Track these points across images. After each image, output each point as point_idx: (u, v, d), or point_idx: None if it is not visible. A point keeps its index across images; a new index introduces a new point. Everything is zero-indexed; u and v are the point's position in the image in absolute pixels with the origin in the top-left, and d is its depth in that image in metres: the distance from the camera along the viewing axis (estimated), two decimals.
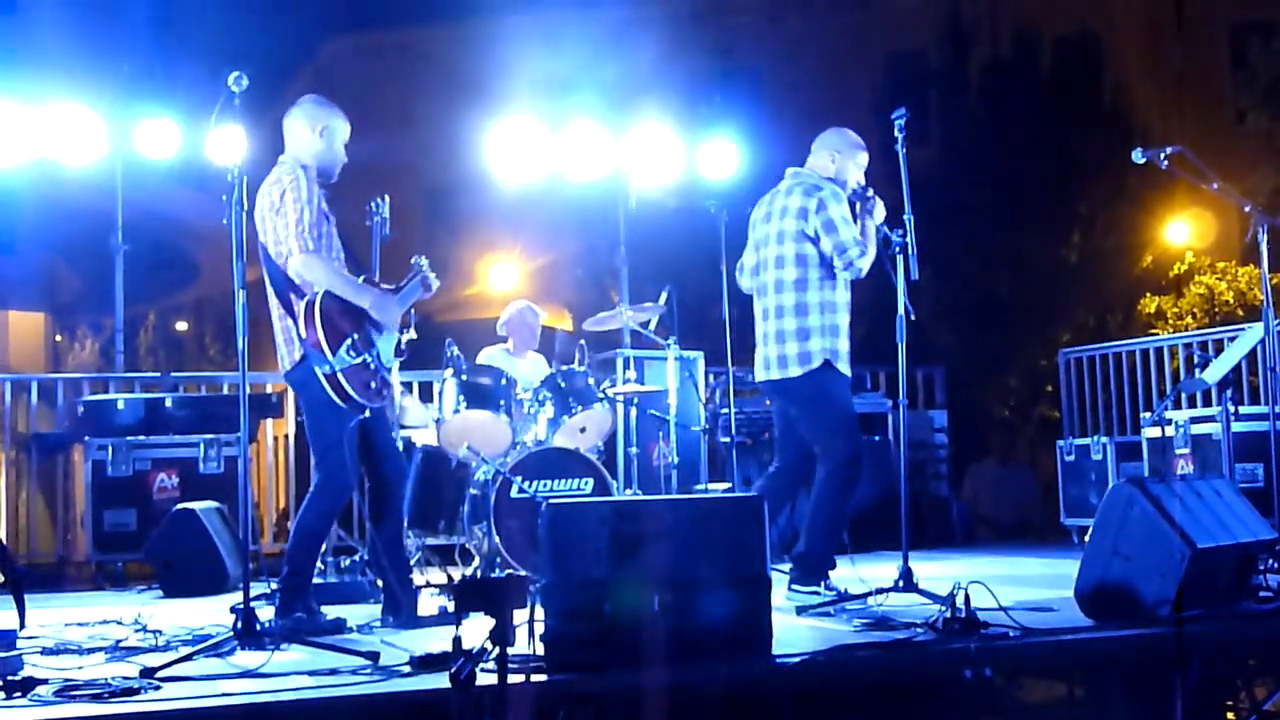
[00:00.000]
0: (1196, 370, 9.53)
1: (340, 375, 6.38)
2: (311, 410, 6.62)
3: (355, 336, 6.48)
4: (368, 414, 6.69)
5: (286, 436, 12.09)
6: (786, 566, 7.42)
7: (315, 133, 6.74)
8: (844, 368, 7.42)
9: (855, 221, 7.44)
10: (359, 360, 6.46)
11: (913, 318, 7.00)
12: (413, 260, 7.11)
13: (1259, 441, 9.24)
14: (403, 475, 7.26)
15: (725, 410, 10.26)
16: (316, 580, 7.91)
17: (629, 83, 17.01)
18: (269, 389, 12.03)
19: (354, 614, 6.97)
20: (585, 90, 13.62)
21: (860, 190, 7.53)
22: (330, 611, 6.74)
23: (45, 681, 4.99)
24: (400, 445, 8.51)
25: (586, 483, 8.43)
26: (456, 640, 4.78)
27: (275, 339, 6.65)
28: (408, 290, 6.92)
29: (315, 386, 6.44)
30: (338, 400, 6.42)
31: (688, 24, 25.98)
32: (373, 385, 6.57)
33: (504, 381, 8.58)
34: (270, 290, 6.57)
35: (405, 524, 8.43)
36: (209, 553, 8.91)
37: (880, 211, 7.50)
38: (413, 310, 7.07)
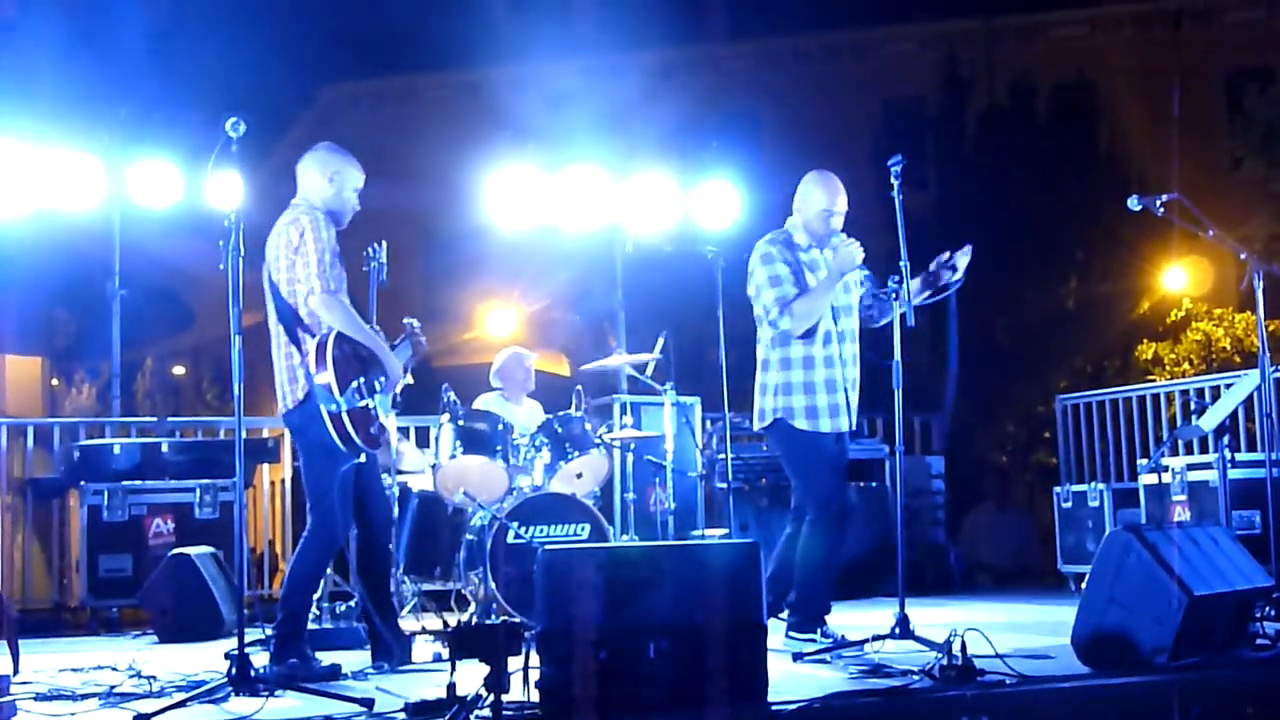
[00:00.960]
0: (1193, 417, 9.55)
1: (345, 416, 6.41)
2: (309, 453, 6.66)
3: (363, 380, 6.56)
4: (363, 459, 6.70)
5: (283, 481, 12.06)
6: (784, 613, 7.40)
7: (327, 179, 6.82)
8: (809, 423, 7.38)
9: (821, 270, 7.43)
10: (363, 404, 6.52)
11: (911, 324, 6.95)
12: (405, 321, 7.19)
13: (1256, 488, 9.23)
14: (391, 521, 7.29)
15: (722, 456, 10.22)
16: (311, 626, 7.91)
17: (626, 128, 17.10)
18: (265, 434, 12.03)
19: (349, 660, 6.95)
20: (583, 136, 13.64)
21: (827, 237, 7.50)
22: (325, 658, 6.72)
23: None
24: (396, 490, 8.54)
25: (583, 528, 8.42)
26: (451, 687, 4.77)
27: (276, 379, 6.66)
28: (399, 349, 7.01)
29: (316, 429, 6.47)
30: (339, 442, 6.45)
31: (686, 71, 26.13)
32: (372, 430, 6.62)
33: (500, 427, 8.58)
34: (278, 328, 6.62)
35: (400, 569, 8.45)
36: (204, 598, 8.87)
37: (846, 257, 7.29)
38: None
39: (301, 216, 6.64)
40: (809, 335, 7.37)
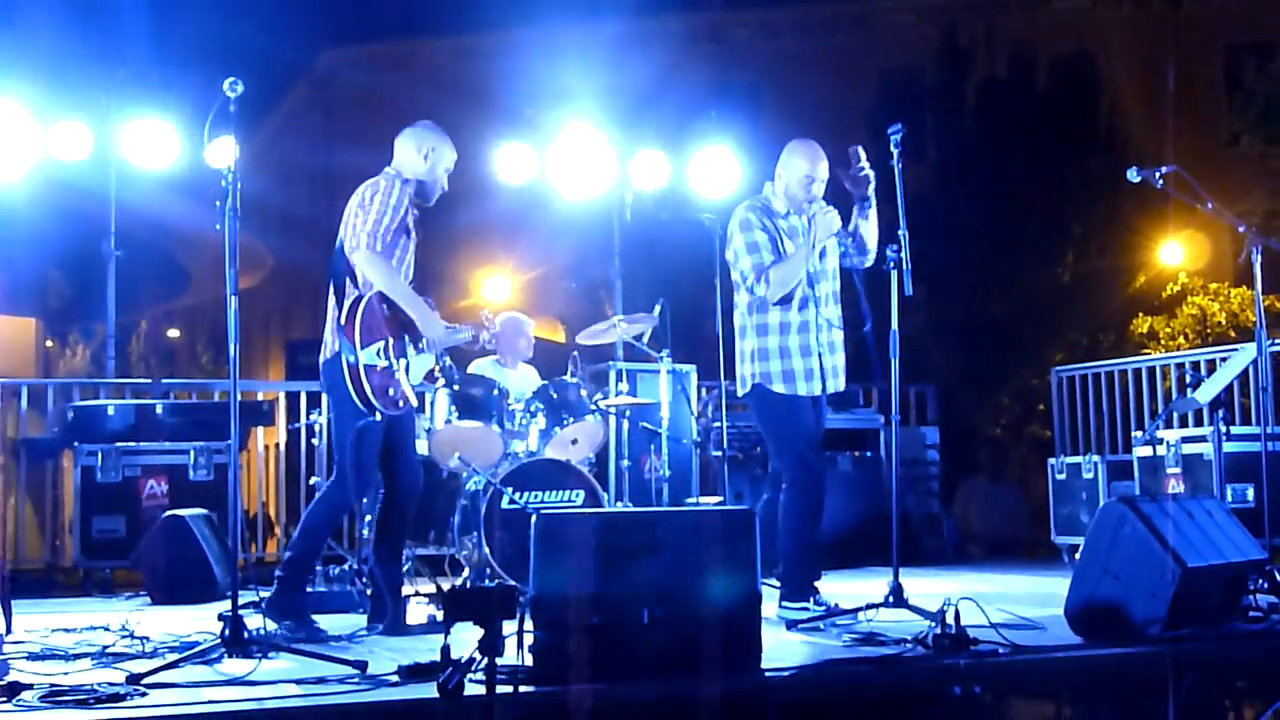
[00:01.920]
0: (1188, 390, 9.54)
1: (362, 370, 6.52)
2: (334, 407, 6.88)
3: (389, 341, 6.69)
4: (385, 421, 6.80)
5: (277, 445, 12.08)
6: (776, 581, 7.41)
7: (420, 155, 7.03)
8: (786, 387, 7.41)
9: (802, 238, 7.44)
10: (384, 364, 6.63)
11: (909, 293, 6.96)
12: (484, 313, 7.45)
13: (1250, 462, 9.25)
14: (417, 489, 7.28)
15: (717, 424, 10.23)
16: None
17: (626, 96, 17.05)
18: (260, 397, 12.02)
19: (343, 623, 6.96)
20: (582, 103, 13.61)
21: (806, 204, 7.50)
22: (320, 620, 6.75)
23: (30, 687, 4.96)
24: None
25: (577, 494, 8.42)
26: (445, 650, 4.77)
27: (326, 326, 6.82)
28: (457, 330, 7.24)
29: (340, 383, 6.59)
30: (355, 397, 6.56)
31: (685, 39, 26.06)
32: (390, 393, 6.72)
33: (496, 392, 8.57)
34: (331, 281, 6.80)
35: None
36: (197, 560, 8.87)
37: (823, 225, 7.33)
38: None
39: (381, 180, 6.87)
40: (785, 301, 7.39)
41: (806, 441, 7.46)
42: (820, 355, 7.48)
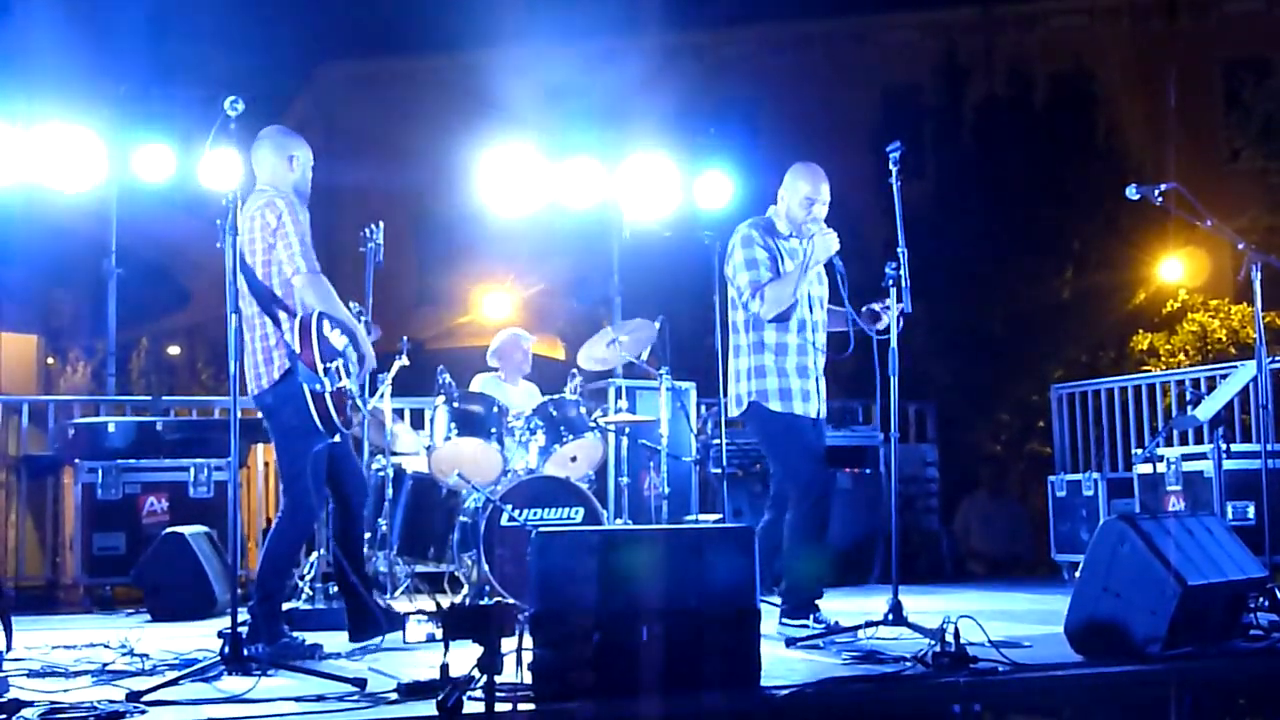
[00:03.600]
0: (1189, 407, 9.54)
1: (328, 396, 6.43)
2: (284, 433, 6.71)
3: (342, 360, 6.59)
4: (337, 439, 6.76)
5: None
6: (777, 599, 7.42)
7: (286, 162, 6.88)
8: (783, 405, 7.44)
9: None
10: (342, 384, 6.56)
11: (908, 310, 6.97)
12: (351, 304, 7.26)
13: (1250, 479, 9.25)
14: (365, 494, 7.34)
15: (717, 441, 10.24)
16: (304, 606, 7.93)
17: (625, 113, 17.05)
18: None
19: (342, 641, 6.96)
20: (581, 120, 13.61)
21: (804, 224, 7.53)
22: (319, 638, 6.75)
23: (31, 704, 4.97)
24: (391, 472, 8.55)
25: (577, 512, 8.42)
26: (444, 668, 4.77)
27: (248, 361, 6.68)
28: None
29: (290, 408, 6.52)
30: (318, 422, 6.47)
31: (685, 56, 26.07)
32: (348, 408, 6.70)
33: (495, 409, 8.58)
34: (254, 310, 6.63)
35: (393, 551, 8.47)
36: (197, 577, 8.88)
37: (822, 246, 7.36)
38: (405, 338, 7.11)
39: (276, 200, 6.68)
40: (783, 321, 7.44)
41: (812, 458, 7.48)
42: (816, 379, 7.52)
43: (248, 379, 6.71)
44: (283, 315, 6.62)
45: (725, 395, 7.95)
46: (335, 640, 6.96)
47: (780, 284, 7.39)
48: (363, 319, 7.32)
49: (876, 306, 7.34)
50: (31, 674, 5.95)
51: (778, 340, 7.46)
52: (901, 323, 7.07)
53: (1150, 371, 14.62)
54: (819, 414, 7.59)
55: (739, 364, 7.60)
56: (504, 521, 8.13)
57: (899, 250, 7.01)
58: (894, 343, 7.01)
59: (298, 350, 6.45)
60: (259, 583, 6.67)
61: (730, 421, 9.15)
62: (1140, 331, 17.62)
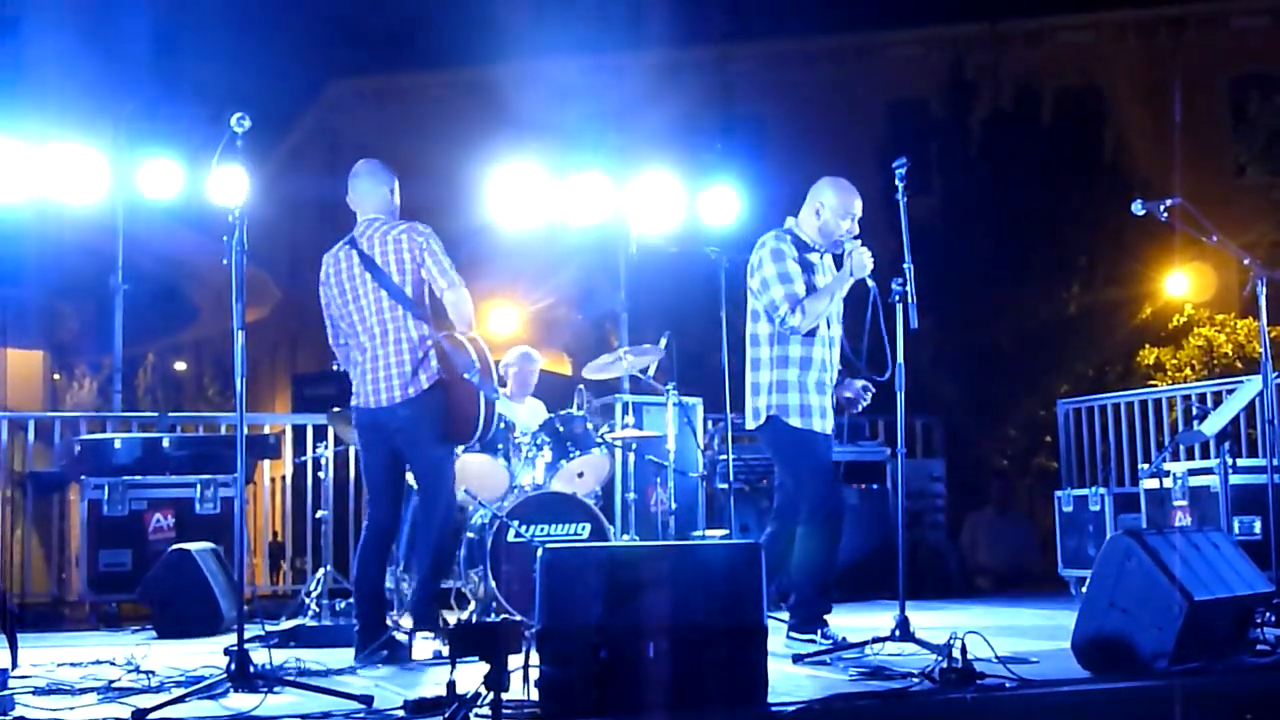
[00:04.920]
0: (1195, 422, 9.53)
1: (494, 405, 7.15)
2: (430, 441, 7.17)
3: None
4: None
5: (284, 478, 12.06)
6: (785, 614, 7.41)
7: (391, 193, 7.38)
8: (803, 421, 7.47)
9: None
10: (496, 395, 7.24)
11: (915, 326, 6.98)
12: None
13: (1257, 494, 9.22)
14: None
15: (724, 457, 10.23)
16: (310, 623, 7.94)
17: (632, 128, 17.08)
18: (267, 430, 12.02)
19: (347, 658, 6.95)
20: (588, 135, 13.62)
21: (840, 240, 7.57)
22: (324, 655, 6.76)
23: None
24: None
25: (583, 528, 8.42)
26: (451, 685, 4.77)
27: (384, 372, 7.09)
28: None
29: (436, 416, 7.09)
30: (481, 429, 7.12)
31: (691, 71, 26.10)
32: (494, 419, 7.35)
33: (502, 425, 8.58)
34: (404, 323, 7.09)
35: (399, 567, 8.48)
36: (204, 594, 8.87)
37: (859, 263, 7.39)
38: None
39: (418, 225, 7.21)
40: (809, 335, 7.45)
41: (827, 475, 7.50)
42: (831, 396, 7.56)
43: (380, 389, 7.09)
44: (425, 329, 7.07)
45: (736, 408, 7.95)
46: (342, 656, 6.96)
47: (818, 298, 7.43)
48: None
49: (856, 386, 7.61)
50: (37, 691, 5.94)
51: (802, 354, 7.49)
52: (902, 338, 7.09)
53: (1156, 386, 14.61)
54: (831, 431, 7.62)
55: (759, 377, 7.59)
56: (510, 538, 8.13)
57: (905, 266, 7.01)
58: (900, 358, 7.01)
59: (476, 363, 7.01)
60: (433, 575, 7.23)
61: (740, 435, 9.14)
62: (1147, 346, 17.62)
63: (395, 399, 7.04)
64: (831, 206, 7.60)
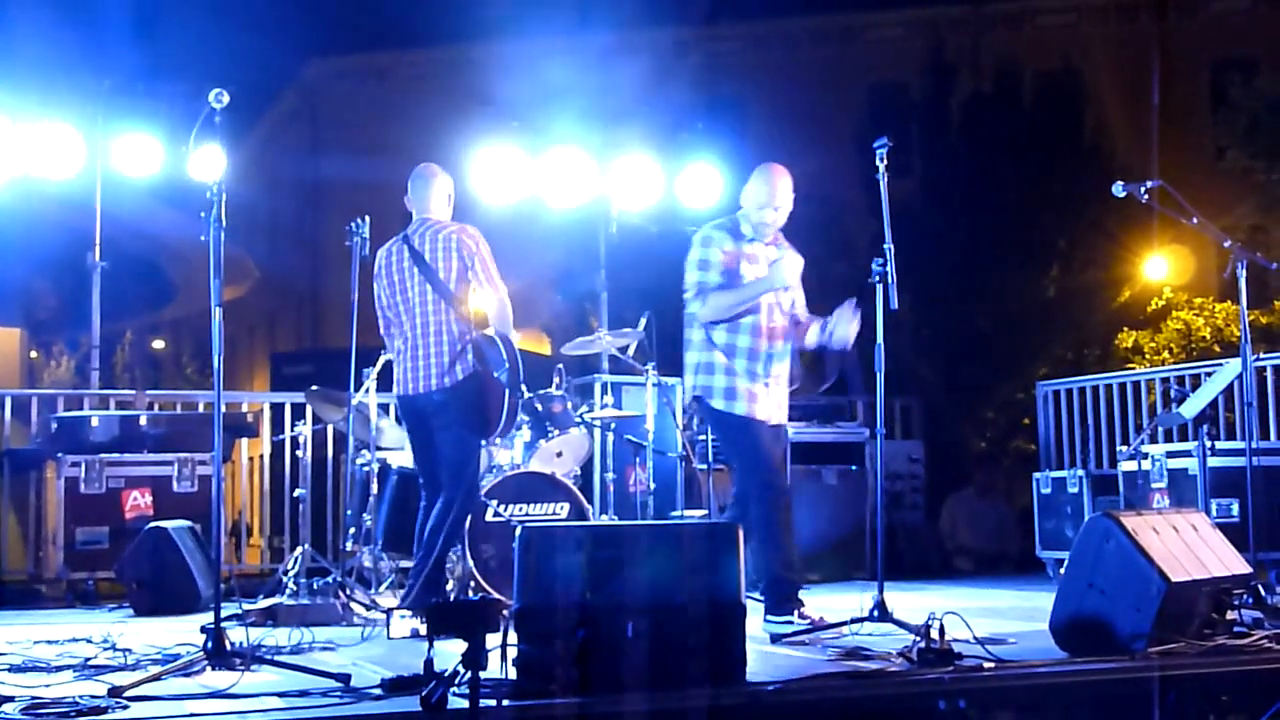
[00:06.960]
0: (1173, 405, 9.56)
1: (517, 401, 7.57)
2: (462, 427, 7.50)
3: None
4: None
5: (261, 457, 12.04)
6: (759, 595, 7.40)
7: (447, 199, 7.97)
8: (727, 404, 7.37)
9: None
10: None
11: (894, 307, 6.94)
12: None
13: (1235, 477, 9.26)
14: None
15: (702, 437, 10.25)
16: (289, 601, 7.93)
17: (611, 109, 17.02)
18: (245, 408, 11.98)
19: (327, 636, 6.95)
20: (568, 115, 13.58)
21: (764, 229, 7.52)
22: (302, 634, 6.75)
23: (12, 699, 4.95)
24: (376, 467, 8.54)
25: (562, 507, 8.42)
26: (428, 663, 4.76)
27: (425, 359, 7.51)
28: None
29: (468, 404, 7.45)
30: (505, 422, 7.52)
31: (671, 51, 26.05)
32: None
33: None
34: (448, 317, 7.52)
35: (378, 546, 8.47)
36: (181, 572, 8.85)
37: (778, 274, 7.33)
38: None
39: (469, 228, 7.73)
40: (733, 323, 7.36)
41: (764, 459, 7.37)
42: (770, 385, 7.44)
43: (419, 376, 7.51)
44: (465, 325, 7.50)
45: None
46: (324, 634, 6.95)
47: (726, 294, 7.34)
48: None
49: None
50: (13, 669, 5.93)
51: (726, 341, 7.38)
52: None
53: (1135, 369, 14.64)
54: (776, 420, 7.51)
55: (688, 357, 7.55)
56: (489, 517, 8.13)
57: (885, 246, 6.99)
58: (879, 338, 7.00)
59: (508, 363, 7.41)
60: (433, 562, 7.35)
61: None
62: (1125, 329, 17.64)
63: (432, 387, 7.46)
64: (752, 197, 7.53)
